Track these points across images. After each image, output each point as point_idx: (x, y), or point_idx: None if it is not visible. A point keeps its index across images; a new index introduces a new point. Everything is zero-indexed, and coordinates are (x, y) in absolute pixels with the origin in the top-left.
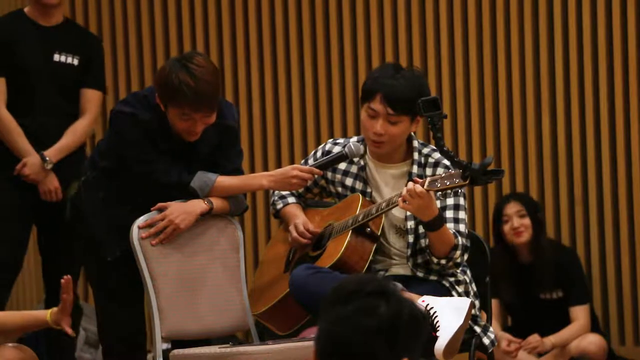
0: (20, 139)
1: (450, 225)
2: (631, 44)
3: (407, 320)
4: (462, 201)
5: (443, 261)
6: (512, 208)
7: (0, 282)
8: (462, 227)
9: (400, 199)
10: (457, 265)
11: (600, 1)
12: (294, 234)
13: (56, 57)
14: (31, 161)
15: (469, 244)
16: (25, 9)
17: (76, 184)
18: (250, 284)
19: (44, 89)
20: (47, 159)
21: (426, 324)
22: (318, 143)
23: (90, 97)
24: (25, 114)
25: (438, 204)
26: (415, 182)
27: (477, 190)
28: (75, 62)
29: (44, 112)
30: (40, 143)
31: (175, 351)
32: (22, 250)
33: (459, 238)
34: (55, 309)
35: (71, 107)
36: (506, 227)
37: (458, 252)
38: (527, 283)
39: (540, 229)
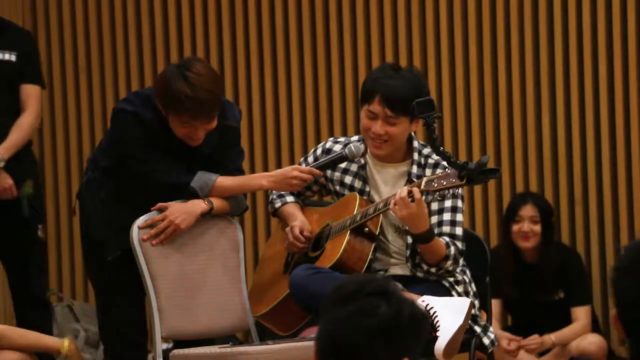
0: None
1: (446, 229)
2: (631, 44)
3: (407, 321)
4: (459, 203)
5: (433, 269)
6: (527, 212)
7: None
8: (458, 230)
9: (393, 201)
10: (449, 272)
11: (600, 1)
12: (290, 238)
13: None
14: None
15: (464, 248)
16: None
17: (30, 181)
18: (250, 282)
19: None
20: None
21: (426, 324)
22: (318, 143)
23: (31, 92)
24: None
25: (436, 205)
26: (415, 184)
27: (477, 189)
28: (13, 58)
29: None
30: None
31: (175, 351)
32: None
33: (451, 248)
34: (72, 343)
35: (14, 103)
36: (515, 227)
37: (449, 262)
38: (529, 284)
39: (550, 234)
